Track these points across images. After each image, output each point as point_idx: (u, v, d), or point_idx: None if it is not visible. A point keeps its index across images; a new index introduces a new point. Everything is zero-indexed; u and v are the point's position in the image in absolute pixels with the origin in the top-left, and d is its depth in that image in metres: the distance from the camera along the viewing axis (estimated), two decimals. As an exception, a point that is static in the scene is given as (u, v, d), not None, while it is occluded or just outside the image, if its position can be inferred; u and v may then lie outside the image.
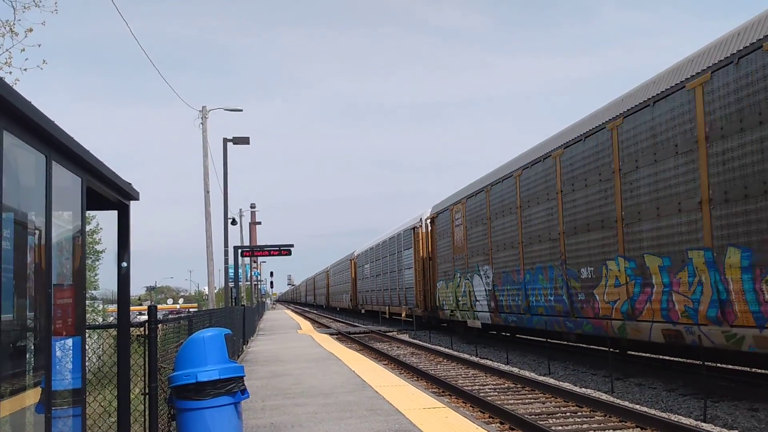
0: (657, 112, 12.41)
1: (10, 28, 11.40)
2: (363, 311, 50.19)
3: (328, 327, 40.37)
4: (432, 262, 28.63)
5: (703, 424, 9.82)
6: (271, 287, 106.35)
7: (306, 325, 39.19)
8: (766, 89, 9.74)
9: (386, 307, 39.79)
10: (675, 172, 11.90)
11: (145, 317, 6.24)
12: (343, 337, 30.62)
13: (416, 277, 31.46)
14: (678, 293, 11.78)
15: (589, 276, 14.90)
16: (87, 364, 7.53)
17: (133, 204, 5.80)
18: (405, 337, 29.40)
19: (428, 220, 29.34)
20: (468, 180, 22.46)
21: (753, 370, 14.90)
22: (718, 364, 15.62)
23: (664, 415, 10.45)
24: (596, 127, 14.46)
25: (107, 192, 5.12)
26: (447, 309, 26.07)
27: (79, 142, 4.21)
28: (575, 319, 15.63)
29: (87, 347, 7.50)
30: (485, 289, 21.52)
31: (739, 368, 14.99)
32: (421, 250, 30.78)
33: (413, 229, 32.04)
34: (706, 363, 11.92)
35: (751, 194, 10.02)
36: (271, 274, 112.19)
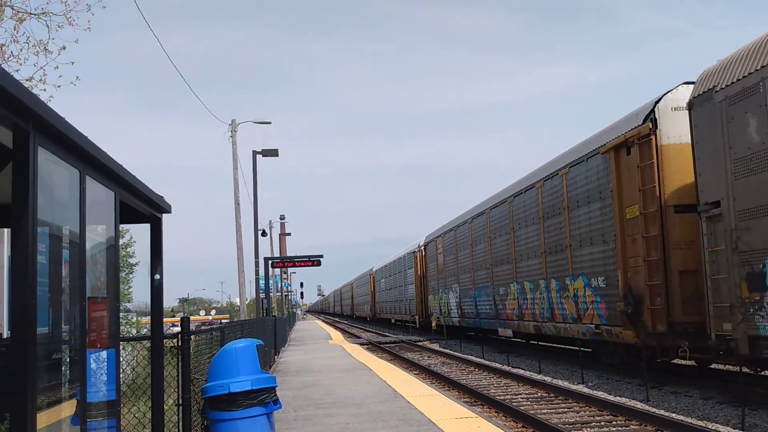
0: (527, 197, 20.64)
1: (44, 47, 11.63)
2: (393, 321, 50.75)
3: (359, 337, 40.36)
4: (425, 280, 36.75)
5: (742, 433, 9.62)
6: (302, 298, 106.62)
7: (336, 335, 39.23)
8: (559, 197, 18.09)
9: (398, 315, 47.07)
10: (534, 233, 20.05)
11: (178, 329, 6.29)
12: (373, 346, 30.58)
13: (416, 291, 38.98)
14: (536, 304, 20.05)
15: (503, 293, 23.00)
16: (121, 375, 7.61)
17: (165, 217, 5.87)
18: (435, 346, 29.28)
19: (423, 247, 37.46)
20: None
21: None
22: (757, 371, 15.32)
23: (701, 423, 10.25)
24: (503, 200, 23.02)
25: (140, 205, 5.19)
26: (436, 315, 34.19)
27: (112, 157, 4.27)
28: (499, 321, 23.91)
29: (121, 359, 7.59)
30: (455, 301, 29.56)
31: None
32: (418, 270, 38.44)
33: (413, 253, 39.78)
34: (743, 370, 11.71)
35: (558, 250, 18.36)
36: (301, 284, 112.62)
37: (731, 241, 11.18)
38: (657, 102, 13.96)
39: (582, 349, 18.24)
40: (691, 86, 12.85)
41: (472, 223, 26.63)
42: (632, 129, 14.28)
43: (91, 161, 3.96)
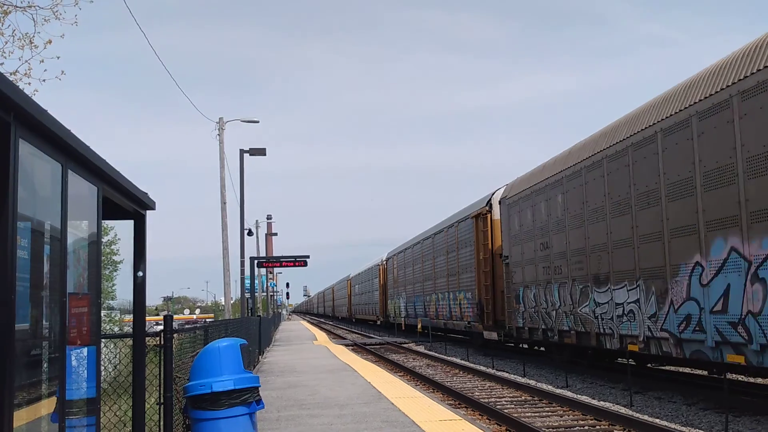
0: (440, 236, 30.40)
1: (30, 40, 11.50)
2: (379, 322, 51.15)
3: (344, 338, 40.30)
4: (386, 288, 46.35)
5: (724, 438, 9.65)
6: (287, 298, 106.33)
7: (322, 336, 39.14)
8: (454, 240, 27.72)
9: (367, 315, 55.80)
10: (443, 261, 29.65)
11: (162, 327, 6.22)
12: (358, 348, 30.54)
13: (379, 296, 48.27)
14: (444, 308, 29.35)
15: (429, 299, 32.42)
16: (103, 373, 7.52)
17: (150, 214, 5.81)
18: (420, 348, 29.29)
19: (384, 261, 47.28)
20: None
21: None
22: (739, 378, 15.42)
23: (684, 429, 10.29)
24: (428, 236, 32.88)
25: (123, 201, 5.13)
26: (391, 316, 43.96)
27: (95, 152, 4.22)
28: (429, 319, 32.61)
29: (104, 357, 7.51)
30: (404, 305, 39.30)
31: (761, 382, 14.78)
32: (381, 280, 47.85)
33: (378, 265, 49.24)
34: (727, 377, 11.78)
35: (453, 274, 27.75)
36: (287, 285, 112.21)
37: (510, 278, 20.97)
38: (492, 194, 23.57)
39: (465, 337, 29.35)
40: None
41: (413, 249, 36.81)
42: (480, 208, 24.28)
43: (73, 155, 3.90)
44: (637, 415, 11.49)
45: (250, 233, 39.43)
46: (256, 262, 34.39)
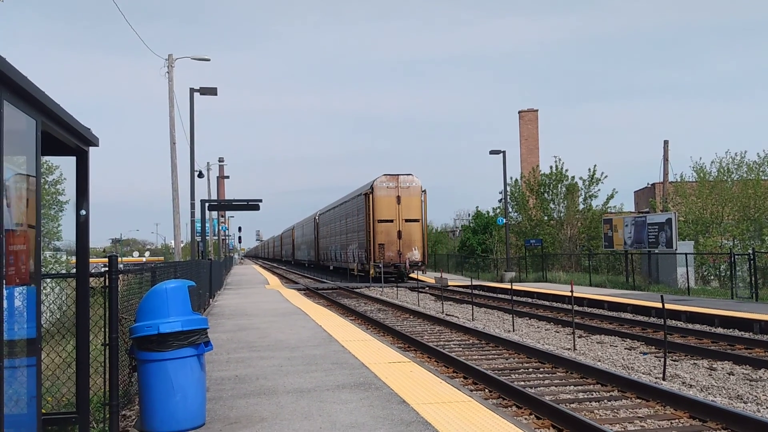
0: (303, 225, 69.92)
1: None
2: (332, 267, 51.01)
3: (296, 282, 40.40)
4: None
5: (662, 382, 10.01)
6: (240, 242, 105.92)
7: (274, 281, 39.16)
8: (307, 230, 66.14)
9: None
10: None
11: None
12: (310, 292, 30.66)
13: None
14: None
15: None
16: (49, 315, 7.36)
17: (99, 154, 5.61)
18: (373, 293, 29.54)
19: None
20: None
21: (713, 330, 15.31)
22: (678, 324, 15.97)
23: (624, 372, 10.63)
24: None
25: (65, 137, 4.92)
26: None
27: (34, 83, 4.01)
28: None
29: (50, 298, 7.34)
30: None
31: (699, 329, 15.33)
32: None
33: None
34: (667, 323, 12.19)
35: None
36: (240, 229, 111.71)
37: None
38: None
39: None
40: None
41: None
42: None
43: (9, 85, 3.70)
44: (580, 358, 11.83)
45: (200, 175, 38.83)
46: (206, 204, 33.93)
